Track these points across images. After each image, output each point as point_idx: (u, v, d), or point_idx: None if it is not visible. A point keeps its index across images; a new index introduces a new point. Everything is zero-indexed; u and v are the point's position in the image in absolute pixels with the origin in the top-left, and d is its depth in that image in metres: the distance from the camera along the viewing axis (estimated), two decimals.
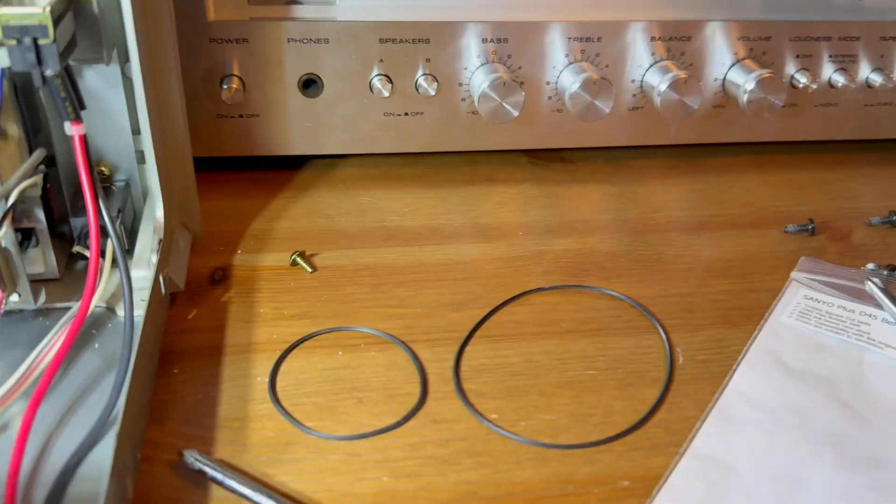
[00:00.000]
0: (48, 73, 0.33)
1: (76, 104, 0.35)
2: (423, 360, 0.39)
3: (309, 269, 0.45)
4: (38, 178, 0.37)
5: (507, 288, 0.44)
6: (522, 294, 0.44)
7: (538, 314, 0.43)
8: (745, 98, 0.52)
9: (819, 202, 0.54)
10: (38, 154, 0.37)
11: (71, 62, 0.36)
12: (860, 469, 0.34)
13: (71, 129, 0.35)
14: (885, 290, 0.42)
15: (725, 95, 0.54)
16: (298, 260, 0.46)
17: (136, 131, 0.41)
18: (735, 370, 0.39)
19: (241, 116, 0.51)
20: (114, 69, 0.40)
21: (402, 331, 0.41)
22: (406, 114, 0.52)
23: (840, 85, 0.55)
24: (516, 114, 0.50)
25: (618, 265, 0.47)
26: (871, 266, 0.46)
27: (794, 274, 0.46)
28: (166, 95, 0.41)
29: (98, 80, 0.40)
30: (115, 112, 0.41)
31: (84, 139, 0.35)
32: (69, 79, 0.35)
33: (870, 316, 0.42)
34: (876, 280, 0.43)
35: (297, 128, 0.52)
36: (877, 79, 0.55)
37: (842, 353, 0.40)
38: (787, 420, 0.36)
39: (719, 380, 0.39)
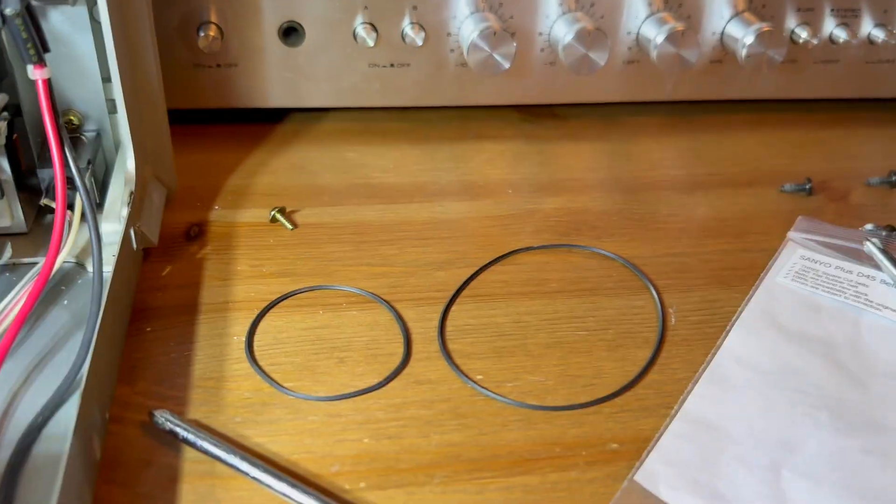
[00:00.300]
0: (8, 11, 0.31)
1: (39, 46, 0.33)
2: (407, 320, 0.38)
3: (289, 226, 0.44)
4: (2, 126, 0.36)
5: (494, 247, 0.43)
6: (510, 253, 0.43)
7: (526, 274, 0.41)
8: (743, 52, 0.50)
9: (817, 161, 0.52)
10: (0, 99, 0.35)
11: (34, 1, 0.34)
12: (856, 432, 0.33)
13: (34, 72, 0.33)
14: (883, 251, 0.41)
15: (724, 50, 0.52)
16: (278, 216, 0.44)
17: (106, 79, 0.39)
18: (729, 331, 0.38)
19: (218, 66, 0.49)
20: (81, 11, 0.38)
21: (385, 290, 0.40)
22: (392, 65, 0.50)
23: (841, 41, 0.53)
24: (507, 66, 0.48)
25: (609, 224, 0.45)
26: (869, 226, 0.44)
27: (790, 234, 0.44)
28: (138, 41, 0.39)
29: (65, 24, 0.38)
30: (84, 58, 0.39)
31: (49, 84, 0.34)
32: (32, 19, 0.33)
33: (868, 277, 0.40)
34: (875, 240, 0.42)
35: (277, 79, 0.50)
36: (879, 35, 0.53)
37: (839, 315, 0.39)
38: (782, 382, 0.35)
39: (712, 341, 0.37)
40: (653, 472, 0.31)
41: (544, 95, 0.53)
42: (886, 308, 0.39)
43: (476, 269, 0.42)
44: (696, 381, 0.35)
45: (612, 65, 0.52)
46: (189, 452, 0.31)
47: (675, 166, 0.51)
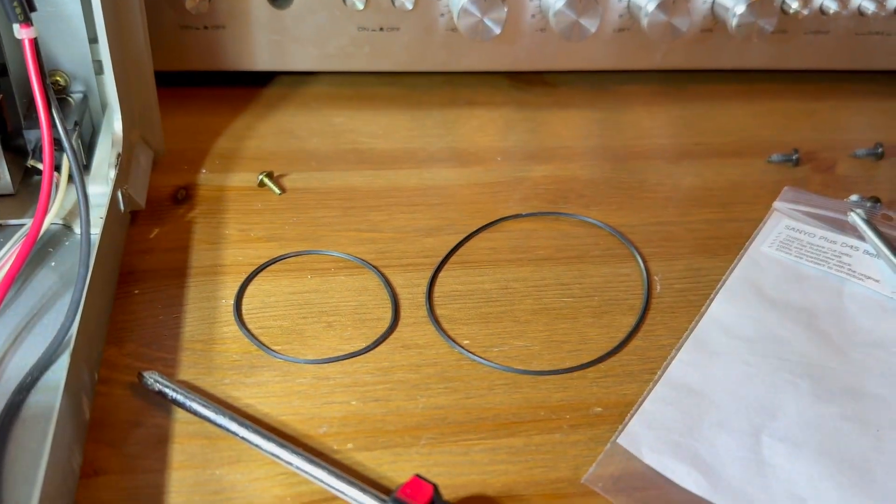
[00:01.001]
0: None
1: (25, 5, 0.33)
2: (395, 286, 0.38)
3: (277, 191, 0.44)
4: None
5: (483, 214, 0.43)
6: (499, 220, 0.43)
7: (514, 241, 0.42)
8: (734, 22, 0.50)
9: (805, 132, 0.53)
10: None
11: None
12: (835, 399, 0.33)
13: (20, 31, 0.33)
14: (867, 222, 0.41)
15: (714, 19, 0.52)
16: (266, 181, 0.44)
17: (93, 39, 0.39)
18: (713, 299, 0.38)
19: (205, 28, 0.49)
20: None
21: (374, 255, 0.40)
22: (381, 29, 0.50)
23: (832, 11, 0.53)
24: (498, 31, 0.48)
25: (597, 192, 0.46)
26: (854, 197, 0.45)
27: (776, 204, 0.45)
28: (125, 1, 0.39)
29: None
30: (71, 17, 0.38)
31: (35, 44, 0.33)
32: None
33: (851, 247, 0.41)
34: (859, 211, 0.42)
35: (264, 41, 0.50)
36: (869, 6, 0.53)
37: (822, 284, 0.39)
38: (765, 350, 0.35)
39: (696, 309, 0.38)
40: (635, 435, 0.32)
41: (535, 62, 0.53)
42: (869, 278, 0.39)
43: (464, 235, 0.42)
44: (680, 348, 0.36)
45: (602, 32, 0.52)
46: (178, 413, 0.32)
47: (663, 135, 0.51)
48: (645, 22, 0.49)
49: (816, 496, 0.30)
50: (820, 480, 0.30)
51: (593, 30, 0.49)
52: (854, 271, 0.40)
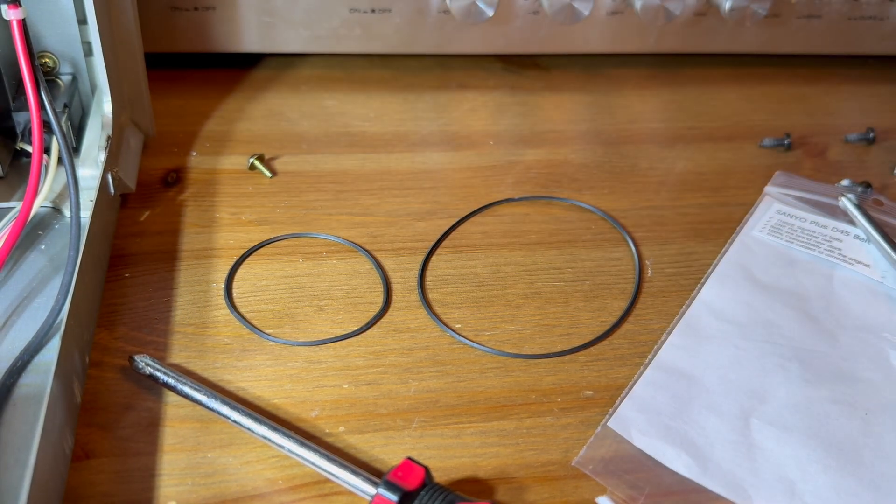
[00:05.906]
0: None
1: None
2: (387, 269, 0.38)
3: (268, 174, 0.43)
4: None
5: (475, 198, 0.43)
6: (491, 205, 0.43)
7: (506, 225, 0.42)
8: (727, 5, 0.50)
9: (797, 117, 0.53)
10: None
11: None
12: (825, 383, 0.34)
13: (9, 12, 0.33)
14: (858, 207, 0.42)
15: (708, 2, 0.52)
16: (257, 164, 0.44)
17: (82, 21, 0.38)
18: (704, 283, 0.38)
19: (195, 9, 0.48)
20: None
21: (365, 239, 0.40)
22: (373, 10, 0.49)
23: None
24: (490, 13, 0.47)
25: (590, 177, 0.46)
26: (845, 182, 0.45)
27: (767, 188, 0.45)
28: None
29: None
30: None
31: (24, 25, 0.33)
32: None
33: (842, 232, 0.41)
34: (850, 196, 0.42)
35: (255, 23, 0.49)
36: None
37: (812, 269, 0.39)
38: (755, 334, 0.36)
39: (687, 293, 0.38)
40: (626, 418, 0.32)
41: (528, 45, 0.53)
42: (859, 263, 0.39)
43: (456, 219, 0.42)
44: (671, 332, 0.36)
45: (596, 15, 0.52)
46: (169, 397, 0.32)
47: (656, 119, 0.51)
48: (638, 5, 0.49)
49: (805, 478, 0.30)
50: (808, 463, 0.30)
51: (586, 13, 0.48)
52: (844, 256, 0.40)
